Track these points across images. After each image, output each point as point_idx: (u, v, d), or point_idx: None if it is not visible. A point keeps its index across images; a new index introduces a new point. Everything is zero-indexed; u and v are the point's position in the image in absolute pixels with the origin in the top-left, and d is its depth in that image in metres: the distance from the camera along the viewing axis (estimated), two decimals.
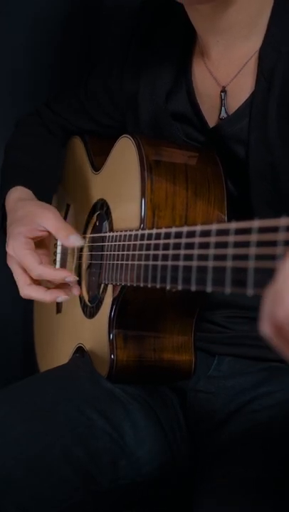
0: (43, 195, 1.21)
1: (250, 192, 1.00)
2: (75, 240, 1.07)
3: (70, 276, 1.07)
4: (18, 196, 1.18)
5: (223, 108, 1.04)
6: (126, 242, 0.94)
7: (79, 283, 1.20)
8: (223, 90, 1.04)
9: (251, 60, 1.00)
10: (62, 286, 1.09)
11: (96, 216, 1.18)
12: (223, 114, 1.04)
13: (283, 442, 0.96)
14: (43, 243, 1.12)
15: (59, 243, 1.26)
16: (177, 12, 1.04)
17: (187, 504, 0.99)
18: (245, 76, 1.01)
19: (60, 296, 1.07)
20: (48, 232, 1.09)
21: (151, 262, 0.84)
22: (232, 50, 1.02)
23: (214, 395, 1.08)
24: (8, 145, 1.34)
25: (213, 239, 0.65)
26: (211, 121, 1.06)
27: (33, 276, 1.07)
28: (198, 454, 1.06)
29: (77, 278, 1.10)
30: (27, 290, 1.08)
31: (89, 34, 1.52)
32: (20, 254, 1.08)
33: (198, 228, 0.72)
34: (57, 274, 1.07)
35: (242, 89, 1.01)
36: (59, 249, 1.27)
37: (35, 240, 1.09)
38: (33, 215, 1.10)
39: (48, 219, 1.08)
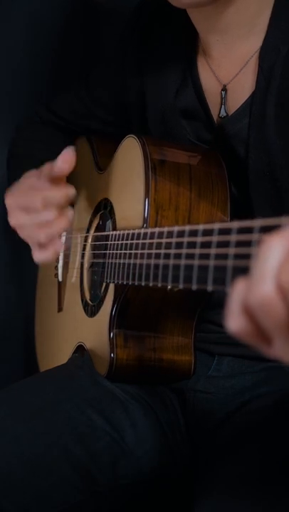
0: None
1: (250, 192, 1.01)
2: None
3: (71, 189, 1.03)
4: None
5: (223, 106, 1.04)
6: (129, 241, 0.94)
7: (81, 282, 1.20)
8: (224, 89, 1.04)
9: (252, 59, 1.00)
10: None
11: (99, 215, 1.18)
12: (223, 113, 1.04)
13: (282, 442, 0.96)
14: None
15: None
16: (178, 10, 1.05)
17: (187, 504, 0.99)
18: (246, 75, 1.01)
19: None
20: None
21: (153, 261, 0.84)
22: (233, 49, 1.02)
23: (214, 395, 1.08)
24: (13, 143, 1.33)
25: (215, 238, 0.65)
26: (215, 119, 1.07)
27: (41, 199, 1.01)
28: (198, 453, 1.06)
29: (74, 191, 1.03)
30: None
31: (88, 34, 1.52)
32: (20, 198, 1.03)
33: (201, 227, 0.72)
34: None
35: (243, 88, 1.01)
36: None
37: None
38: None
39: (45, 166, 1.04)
